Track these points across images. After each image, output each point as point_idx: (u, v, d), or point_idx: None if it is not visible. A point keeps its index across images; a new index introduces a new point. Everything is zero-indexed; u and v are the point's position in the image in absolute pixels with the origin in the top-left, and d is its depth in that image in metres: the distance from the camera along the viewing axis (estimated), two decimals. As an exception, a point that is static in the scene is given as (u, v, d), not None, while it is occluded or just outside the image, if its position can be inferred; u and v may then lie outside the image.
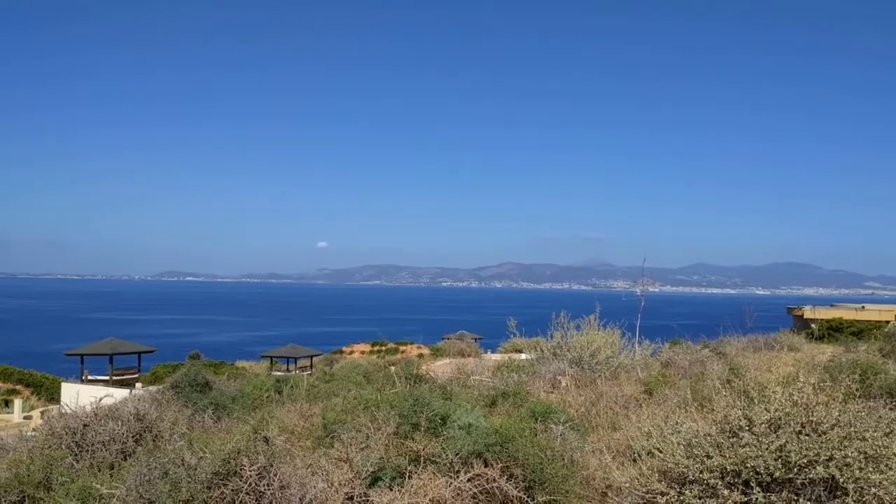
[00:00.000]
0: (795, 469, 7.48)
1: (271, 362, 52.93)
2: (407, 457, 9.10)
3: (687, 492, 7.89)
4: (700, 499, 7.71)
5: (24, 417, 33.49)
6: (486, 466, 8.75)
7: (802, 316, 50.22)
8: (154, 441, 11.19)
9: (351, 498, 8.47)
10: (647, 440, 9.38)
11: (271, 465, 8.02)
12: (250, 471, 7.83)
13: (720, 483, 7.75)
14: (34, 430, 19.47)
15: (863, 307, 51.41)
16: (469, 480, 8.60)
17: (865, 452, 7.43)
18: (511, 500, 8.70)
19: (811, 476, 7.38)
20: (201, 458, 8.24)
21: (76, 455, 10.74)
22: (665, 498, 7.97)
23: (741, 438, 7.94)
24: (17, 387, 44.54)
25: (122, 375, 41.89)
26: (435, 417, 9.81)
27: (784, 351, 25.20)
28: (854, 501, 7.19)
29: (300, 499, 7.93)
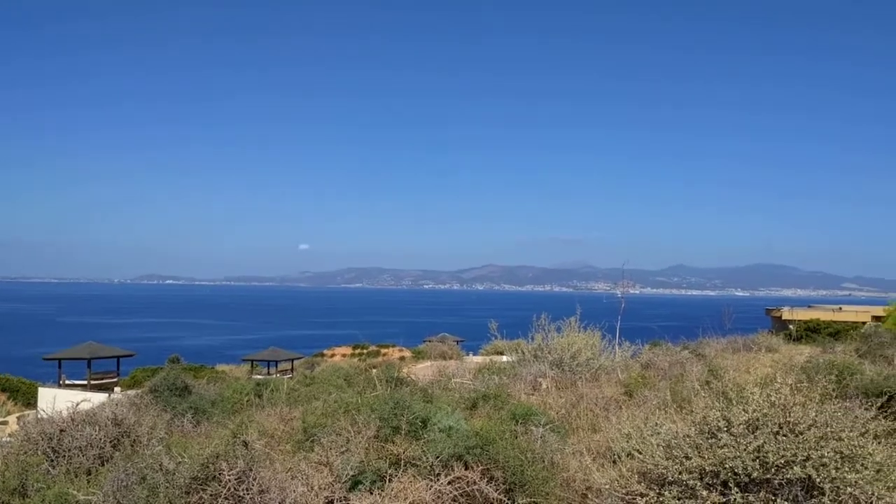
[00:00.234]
0: (773, 469, 7.54)
1: (252, 366, 52.58)
2: (387, 460, 9.08)
3: (666, 493, 7.93)
4: (679, 500, 7.76)
5: (0, 423, 33.10)
6: (466, 469, 8.75)
7: (781, 317, 50.67)
8: (132, 446, 11.09)
9: (331, 502, 8.43)
10: (627, 442, 9.42)
11: (250, 470, 7.98)
12: (229, 475, 7.77)
13: (699, 484, 7.80)
14: (10, 435, 19.21)
15: (840, 308, 51.94)
16: (449, 483, 8.59)
17: (841, 452, 7.51)
18: (491, 503, 8.70)
19: (788, 476, 7.44)
20: (179, 462, 8.19)
21: (52, 461, 10.63)
22: (645, 499, 8.01)
23: (720, 439, 8.00)
24: (-7, 392, 43.95)
25: (101, 380, 41.39)
26: (415, 420, 9.80)
27: (762, 352, 25.42)
28: (830, 501, 7.26)
29: (280, 503, 7.89)
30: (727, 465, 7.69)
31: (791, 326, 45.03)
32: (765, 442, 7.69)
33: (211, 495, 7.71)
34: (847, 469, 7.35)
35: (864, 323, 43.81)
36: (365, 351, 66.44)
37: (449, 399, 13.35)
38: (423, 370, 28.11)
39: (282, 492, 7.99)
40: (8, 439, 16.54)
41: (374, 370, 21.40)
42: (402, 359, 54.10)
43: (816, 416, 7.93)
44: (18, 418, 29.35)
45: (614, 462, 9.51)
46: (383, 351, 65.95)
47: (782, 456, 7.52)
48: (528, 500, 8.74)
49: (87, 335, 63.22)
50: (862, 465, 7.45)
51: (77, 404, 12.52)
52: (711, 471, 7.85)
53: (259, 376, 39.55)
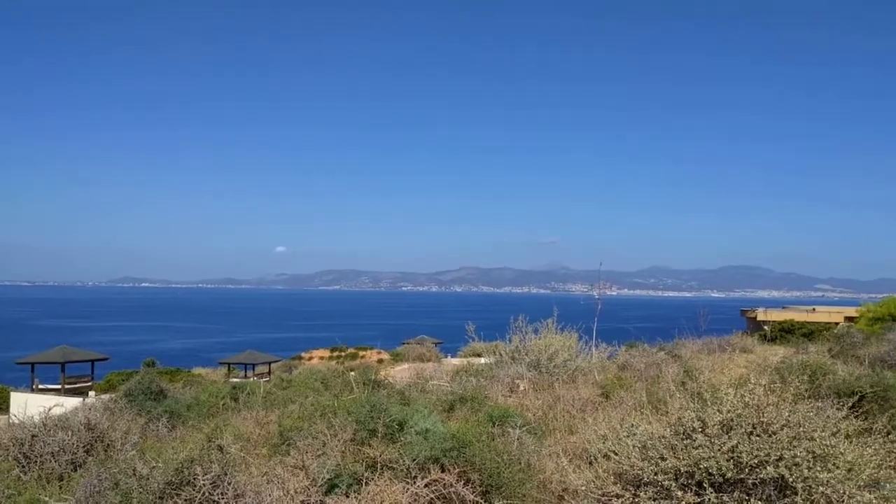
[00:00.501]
0: (747, 469, 7.61)
1: (229, 369, 52.27)
2: (364, 463, 9.06)
3: (642, 494, 7.98)
4: (654, 500, 7.80)
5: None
6: (442, 472, 8.74)
7: (755, 318, 51.13)
8: (105, 451, 10.99)
9: (307, 505, 8.39)
10: (603, 443, 9.46)
11: (225, 474, 7.91)
12: (204, 480, 7.71)
13: (674, 484, 7.85)
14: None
15: (813, 309, 52.49)
16: (426, 486, 8.58)
17: (813, 452, 7.59)
18: (468, 505, 8.70)
19: (762, 476, 7.51)
20: (153, 467, 8.11)
21: (24, 467, 10.50)
22: (620, 500, 8.04)
23: (694, 440, 8.06)
24: (-36, 397, 43.28)
25: (75, 384, 40.95)
26: (392, 423, 9.79)
27: (737, 353, 25.66)
28: (803, 500, 7.33)
29: (255, 507, 7.83)
30: (702, 466, 7.74)
31: (766, 327, 45.46)
32: (739, 442, 7.75)
33: (185, 500, 7.64)
34: (819, 468, 7.43)
35: (837, 324, 44.35)
36: (343, 353, 66.25)
37: (426, 401, 13.33)
38: (400, 372, 28.06)
39: (257, 496, 7.93)
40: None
41: (352, 373, 21.34)
42: (380, 361, 53.99)
43: (789, 416, 8.02)
44: (-10, 424, 28.91)
45: (590, 463, 9.54)
46: (361, 353, 65.82)
47: (756, 456, 7.59)
48: (505, 502, 8.75)
49: (60, 339, 62.53)
50: (834, 464, 7.54)
51: (49, 409, 12.38)
52: (686, 471, 7.90)
53: (236, 379, 39.29)
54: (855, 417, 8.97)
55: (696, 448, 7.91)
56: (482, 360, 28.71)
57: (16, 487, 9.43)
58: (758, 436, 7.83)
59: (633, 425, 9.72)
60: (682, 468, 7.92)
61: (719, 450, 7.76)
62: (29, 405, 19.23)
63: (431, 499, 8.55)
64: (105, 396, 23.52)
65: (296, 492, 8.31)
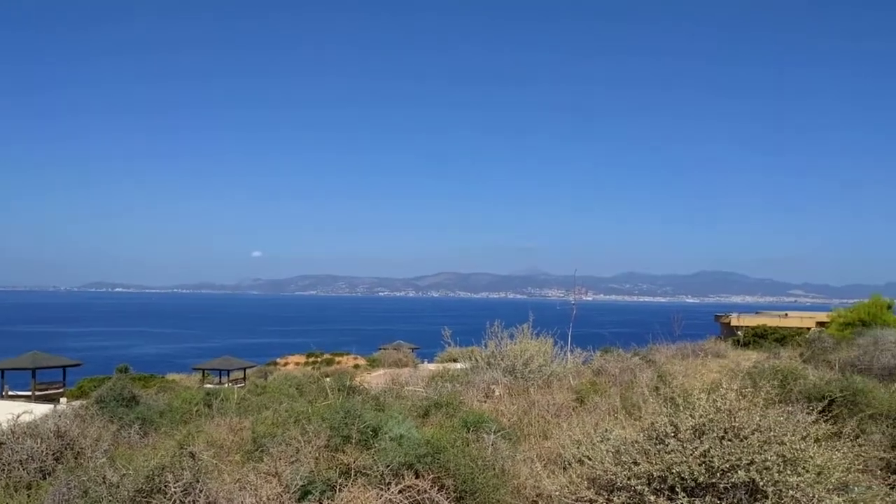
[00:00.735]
0: (718, 474, 7.69)
1: (203, 375, 51.86)
2: (337, 469, 9.02)
3: (615, 498, 8.03)
4: (627, 505, 7.85)
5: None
6: (417, 478, 8.73)
7: (729, 323, 51.59)
8: (75, 459, 10.85)
9: (280, 512, 8.33)
10: (577, 448, 9.50)
11: (197, 481, 7.85)
12: (175, 487, 7.64)
13: (647, 489, 7.91)
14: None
15: (786, 314, 53.08)
16: (400, 492, 8.57)
17: (784, 456, 7.69)
18: (442, 511, 8.70)
19: (733, 480, 7.60)
20: (124, 475, 8.02)
21: (-9, 475, 10.32)
22: (593, 505, 8.09)
23: (667, 445, 8.13)
24: (-68, 404, 42.53)
25: (46, 390, 40.47)
26: (366, 429, 9.76)
27: (710, 358, 25.89)
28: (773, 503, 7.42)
29: (227, 515, 7.77)
30: (674, 471, 7.81)
31: (739, 332, 45.89)
32: (711, 447, 7.83)
33: (156, 508, 7.57)
34: (789, 472, 7.52)
35: (808, 329, 44.88)
36: (319, 359, 65.94)
37: (401, 407, 13.32)
38: (376, 378, 27.99)
39: (229, 503, 7.87)
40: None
41: (328, 379, 21.26)
42: (356, 367, 53.83)
43: (760, 420, 8.11)
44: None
45: (564, 468, 9.58)
46: (337, 359, 65.54)
47: (727, 460, 7.67)
48: (479, 507, 8.76)
49: (31, 345, 61.60)
50: (803, 468, 7.64)
51: (18, 416, 12.20)
52: (659, 476, 7.96)
53: (210, 385, 39.00)
54: (825, 421, 9.08)
55: (669, 453, 7.98)
56: (458, 366, 28.75)
57: (-17, 496, 9.29)
58: (729, 440, 7.91)
59: (606, 430, 9.79)
60: (654, 473, 7.98)
61: (691, 454, 7.83)
62: (-2, 412, 18.93)
63: (405, 505, 8.54)
64: (76, 403, 23.22)
65: (268, 499, 8.25)
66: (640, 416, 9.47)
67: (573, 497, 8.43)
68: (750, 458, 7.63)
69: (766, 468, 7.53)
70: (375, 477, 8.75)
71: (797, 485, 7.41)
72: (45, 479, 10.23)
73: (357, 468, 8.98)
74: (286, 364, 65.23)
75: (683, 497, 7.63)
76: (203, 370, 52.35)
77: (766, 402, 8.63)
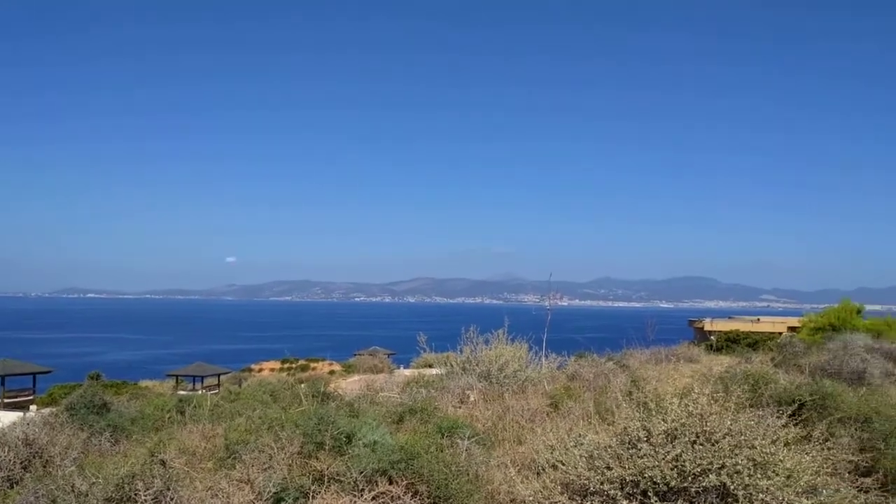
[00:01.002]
0: (690, 478, 7.75)
1: (177, 381, 51.46)
2: (310, 476, 8.97)
3: (588, 503, 8.06)
4: (600, 510, 7.89)
5: None
6: (390, 484, 8.71)
7: (703, 328, 52.06)
8: (44, 467, 10.69)
9: (252, 520, 8.27)
10: (551, 453, 9.53)
11: (168, 489, 7.77)
12: (145, 496, 7.56)
13: (619, 494, 7.96)
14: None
15: (758, 319, 53.66)
16: (373, 498, 8.54)
17: (754, 460, 7.77)
18: (416, 517, 8.67)
19: (704, 484, 7.66)
20: (93, 483, 7.92)
21: (-43, 484, 10.14)
22: (566, 510, 8.11)
23: (640, 449, 8.18)
24: None
25: (16, 398, 39.97)
26: (340, 435, 9.72)
27: (682, 363, 26.10)
28: (743, 507, 7.50)
29: (198, 523, 7.70)
30: (646, 475, 7.87)
31: (712, 337, 46.33)
32: (682, 451, 7.90)
33: (126, 517, 7.48)
34: (759, 476, 7.61)
35: (780, 333, 45.42)
36: (294, 365, 65.67)
37: (375, 413, 13.27)
38: (351, 384, 27.92)
39: (201, 511, 7.80)
40: None
41: (302, 385, 21.14)
42: (331, 373, 53.64)
43: (731, 425, 8.19)
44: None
45: (538, 474, 9.59)
46: (313, 365, 65.32)
47: (699, 464, 7.74)
48: (453, 513, 8.74)
49: (0, 351, 60.69)
50: (773, 471, 7.72)
51: (-15, 424, 11.99)
52: (632, 480, 8.01)
53: (183, 392, 38.68)
54: (794, 425, 9.19)
55: (641, 457, 8.04)
56: (434, 371, 28.72)
57: (-52, 506, 9.12)
58: (701, 444, 7.98)
59: (580, 435, 9.82)
60: (627, 477, 8.03)
61: (663, 458, 7.89)
62: (-35, 420, 18.61)
63: (379, 511, 8.51)
64: (46, 411, 22.90)
65: (241, 506, 8.19)
66: (614, 421, 9.52)
67: (547, 502, 8.45)
68: (721, 462, 7.70)
69: (737, 472, 7.61)
70: (349, 483, 8.72)
71: (767, 488, 7.49)
72: (12, 488, 10.07)
73: (330, 475, 8.94)
74: (261, 370, 64.88)
75: (656, 501, 7.68)
76: (177, 377, 51.95)
77: (737, 407, 8.71)
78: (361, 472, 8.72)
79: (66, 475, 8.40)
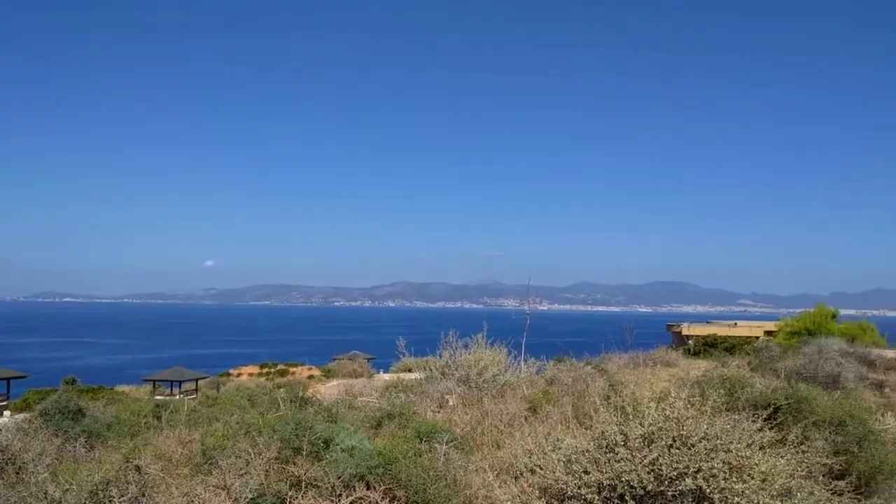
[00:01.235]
0: (667, 482, 7.80)
1: (154, 386, 50.99)
2: (288, 482, 8.93)
3: (565, 507, 8.10)
4: (577, 514, 7.92)
5: None
6: (368, 489, 8.69)
7: (681, 332, 52.37)
8: (17, 474, 10.55)
9: (228, 526, 8.22)
10: (529, 457, 9.57)
11: (143, 495, 7.71)
12: (120, 502, 7.49)
13: (597, 498, 8.00)
14: None
15: (735, 324, 54.11)
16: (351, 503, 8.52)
17: (730, 463, 7.84)
18: (394, 523, 8.66)
19: (681, 488, 7.72)
20: (66, 490, 7.83)
21: (-73, 491, 9.98)
22: (544, 514, 8.14)
23: (617, 453, 8.24)
24: None
25: (-11, 403, 39.40)
26: (317, 441, 9.68)
27: (660, 367, 26.25)
28: (719, 511, 7.56)
29: (174, 530, 7.64)
30: (624, 479, 7.91)
31: (690, 341, 46.58)
32: (659, 455, 7.95)
33: (100, 524, 7.41)
34: (735, 479, 7.68)
35: (757, 338, 45.76)
36: (273, 370, 65.26)
37: (353, 418, 13.25)
38: (330, 389, 27.82)
39: (176, 518, 7.74)
40: None
41: (281, 390, 21.05)
42: (310, 377, 53.41)
43: (708, 429, 8.26)
44: None
45: (516, 478, 9.61)
46: (292, 370, 64.94)
47: (675, 468, 7.80)
48: (431, 518, 8.74)
49: (-27, 356, 59.90)
50: (749, 474, 7.80)
51: (-43, 430, 11.82)
52: (609, 484, 8.06)
53: (161, 397, 38.33)
54: (770, 429, 9.28)
55: (619, 461, 8.09)
56: (413, 376, 28.70)
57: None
58: (677, 448, 8.04)
59: (558, 440, 9.85)
60: (604, 481, 8.07)
61: (640, 462, 7.95)
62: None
63: (356, 517, 8.49)
64: (20, 416, 22.62)
65: (217, 512, 8.14)
66: (592, 426, 9.57)
67: (524, 506, 8.48)
68: (697, 465, 7.76)
69: (713, 475, 7.67)
70: (326, 489, 8.69)
71: (742, 491, 7.56)
72: (-16, 495, 9.93)
73: (308, 480, 8.90)
74: (239, 375, 64.42)
75: (632, 505, 7.74)
76: (154, 381, 51.50)
77: (713, 411, 8.79)
78: (339, 478, 8.69)
79: (39, 482, 8.31)
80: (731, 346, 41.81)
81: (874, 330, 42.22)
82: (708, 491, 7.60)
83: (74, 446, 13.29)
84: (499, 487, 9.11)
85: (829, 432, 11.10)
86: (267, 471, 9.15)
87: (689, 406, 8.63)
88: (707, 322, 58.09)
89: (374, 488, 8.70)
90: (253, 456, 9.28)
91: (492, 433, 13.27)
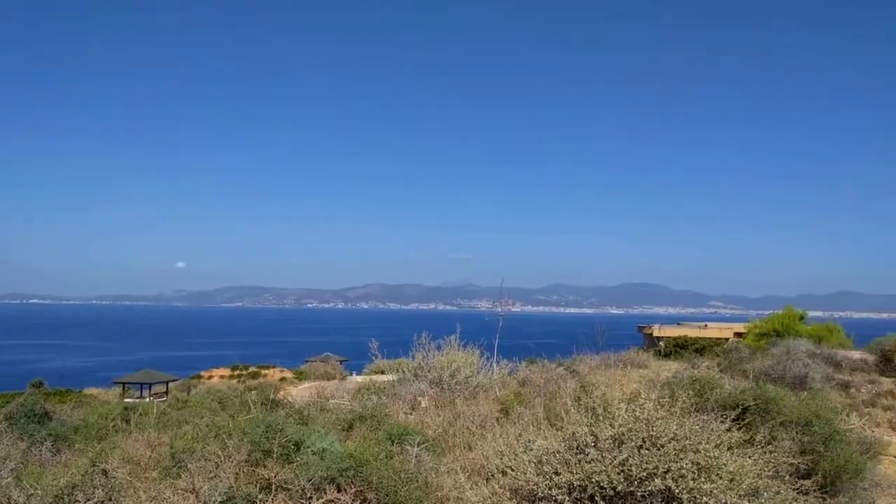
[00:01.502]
0: (636, 482, 7.86)
1: (123, 389, 50.42)
2: (258, 484, 8.86)
3: (536, 509, 8.13)
4: (548, 515, 7.95)
5: None
6: (339, 492, 8.65)
7: (652, 334, 52.66)
8: (-20, 478, 10.35)
9: (197, 530, 8.14)
10: (500, 459, 9.59)
11: (110, 500, 7.61)
12: (86, 506, 7.38)
13: (567, 499, 8.03)
14: None
15: (706, 325, 54.48)
16: (322, 506, 8.47)
17: (698, 464, 7.92)
18: (365, 525, 8.63)
19: (650, 488, 7.78)
20: (31, 494, 7.71)
21: None
22: (515, 515, 8.16)
23: (587, 454, 8.28)
24: None
25: (-48, 407, 38.66)
26: (288, 443, 9.62)
27: (630, 368, 26.41)
28: (688, 511, 7.63)
29: (141, 534, 7.55)
30: (594, 480, 7.96)
31: (661, 343, 46.86)
32: (629, 456, 8.01)
33: (65, 528, 7.30)
34: (703, 479, 7.75)
35: (727, 339, 46.15)
36: (244, 372, 64.82)
37: (325, 421, 13.19)
38: (302, 391, 27.66)
39: (144, 522, 7.65)
40: None
41: (252, 392, 20.91)
42: (282, 380, 53.11)
43: (677, 429, 8.34)
44: None
45: (488, 480, 9.64)
46: (263, 372, 64.54)
47: (645, 469, 7.86)
48: (402, 520, 8.72)
49: (-63, 359, 58.75)
50: (717, 475, 7.88)
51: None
52: (579, 485, 8.09)
53: (130, 400, 37.90)
54: (738, 429, 9.39)
55: (589, 462, 8.13)
56: (386, 378, 28.63)
57: None
58: (647, 449, 8.10)
59: (529, 441, 9.89)
60: (575, 482, 8.11)
61: (610, 463, 8.00)
62: None
63: (327, 519, 8.44)
64: (-16, 420, 22.21)
65: (185, 516, 8.05)
66: (563, 427, 9.62)
67: (495, 508, 8.49)
68: (666, 466, 7.83)
69: (682, 476, 7.74)
70: (297, 491, 8.63)
71: (711, 491, 7.63)
72: (-54, 500, 9.75)
73: (278, 483, 8.84)
74: (210, 377, 63.89)
75: (602, 505, 7.78)
76: (123, 384, 50.94)
77: (682, 412, 8.87)
78: (310, 480, 8.65)
79: (2, 486, 8.16)
80: (701, 348, 42.14)
81: (841, 331, 42.74)
82: (677, 491, 7.67)
83: (40, 450, 13.11)
84: (470, 489, 9.13)
85: (796, 432, 11.25)
86: (237, 474, 9.07)
87: (658, 407, 8.70)
88: (678, 324, 58.46)
89: (345, 491, 8.66)
90: (223, 459, 9.20)
91: (464, 435, 13.28)
